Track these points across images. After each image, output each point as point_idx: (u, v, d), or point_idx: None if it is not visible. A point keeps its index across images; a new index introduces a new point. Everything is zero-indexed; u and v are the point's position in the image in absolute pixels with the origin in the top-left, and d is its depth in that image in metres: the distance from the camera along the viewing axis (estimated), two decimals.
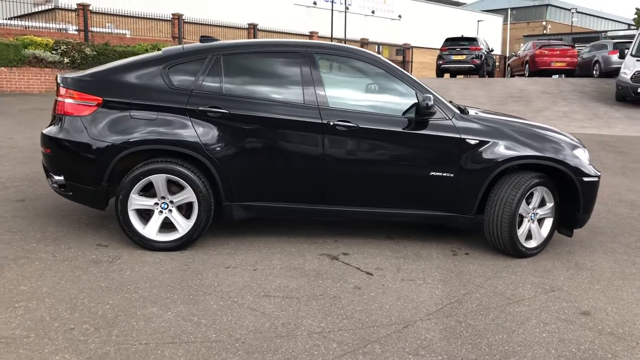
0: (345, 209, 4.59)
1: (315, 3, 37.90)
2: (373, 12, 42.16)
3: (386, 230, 5.18)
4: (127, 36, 21.56)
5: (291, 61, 4.53)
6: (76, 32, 20.31)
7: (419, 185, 4.55)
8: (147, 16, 22.35)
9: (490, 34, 52.13)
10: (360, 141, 4.44)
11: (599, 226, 5.75)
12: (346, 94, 4.67)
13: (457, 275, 4.23)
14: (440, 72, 23.65)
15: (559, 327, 3.46)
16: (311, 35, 28.18)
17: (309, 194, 4.51)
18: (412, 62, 32.40)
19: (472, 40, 23.24)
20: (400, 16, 44.09)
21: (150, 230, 4.34)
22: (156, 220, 4.36)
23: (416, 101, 4.50)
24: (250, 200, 4.44)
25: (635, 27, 52.99)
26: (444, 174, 4.51)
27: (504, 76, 33.51)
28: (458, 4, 60.98)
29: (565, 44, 24.48)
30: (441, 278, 4.16)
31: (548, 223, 4.79)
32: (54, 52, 17.09)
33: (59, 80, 4.48)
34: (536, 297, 3.91)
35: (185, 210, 4.41)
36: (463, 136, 4.50)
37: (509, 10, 65.26)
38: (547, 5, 72.50)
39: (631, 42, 23.48)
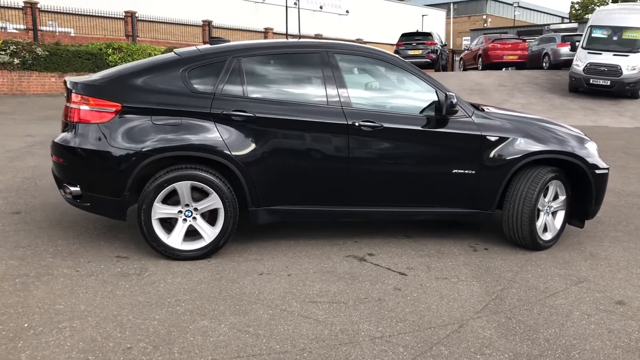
0: (370, 209, 4.58)
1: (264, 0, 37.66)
2: (321, 7, 42.24)
3: (402, 229, 5.20)
4: (72, 34, 20.75)
5: (312, 62, 4.47)
6: (17, 31, 19.35)
7: (441, 183, 4.58)
8: (98, 14, 21.59)
9: (435, 28, 53.06)
10: (384, 141, 4.42)
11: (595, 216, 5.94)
12: (367, 94, 4.65)
13: (486, 271, 4.29)
14: None
15: (603, 318, 3.55)
16: (266, 31, 27.96)
17: (334, 196, 4.47)
18: None
19: (427, 35, 23.62)
20: (347, 11, 44.35)
21: (175, 240, 4.20)
22: (180, 228, 4.22)
23: (435, 99, 4.53)
24: (276, 204, 4.36)
25: (574, 20, 55.14)
26: (466, 171, 4.56)
27: (452, 70, 34.23)
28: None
29: (516, 37, 25.24)
30: (473, 275, 4.21)
31: (561, 215, 4.91)
32: (2, 52, 16.29)
33: (69, 86, 4.26)
34: (568, 290, 4.00)
35: (208, 217, 4.28)
36: (483, 133, 4.55)
37: (451, 4, 66.72)
38: None
39: (574, 34, 24.47)
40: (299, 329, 3.26)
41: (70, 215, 5.23)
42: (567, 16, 65.99)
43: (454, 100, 4.38)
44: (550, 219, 4.82)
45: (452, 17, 63.83)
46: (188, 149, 4.10)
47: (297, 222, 5.11)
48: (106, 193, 4.12)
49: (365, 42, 33.19)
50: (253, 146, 4.20)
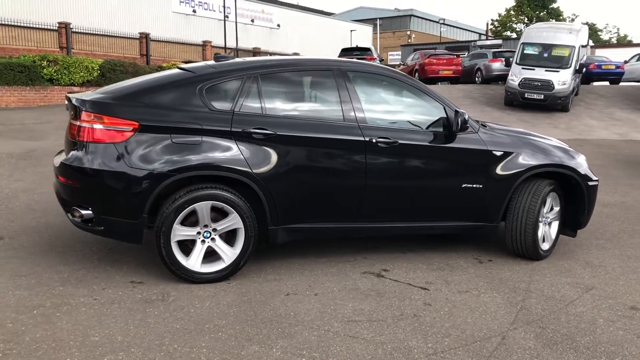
0: (385, 225, 4.61)
1: (194, 11, 37.20)
2: (252, 20, 42.20)
3: (404, 244, 5.23)
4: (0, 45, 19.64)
5: (326, 79, 4.47)
6: None
7: (452, 197, 4.68)
8: (29, 25, 20.56)
9: (362, 43, 54.34)
10: (399, 157, 4.48)
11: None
12: (380, 110, 4.68)
13: (500, 283, 4.41)
14: None
15: (626, 324, 3.74)
16: (204, 44, 27.56)
17: (350, 212, 4.47)
18: None
19: (366, 50, 24.11)
20: (278, 25, 44.56)
21: (194, 262, 4.06)
22: (199, 250, 4.08)
23: (442, 115, 4.64)
24: (295, 222, 4.30)
25: (491, 36, 57.89)
26: (474, 185, 4.68)
27: None
28: (329, 14, 62.74)
29: (450, 53, 26.20)
30: (490, 287, 4.32)
31: (555, 226, 5.14)
32: None
33: (76, 103, 4.05)
34: (582, 298, 4.18)
35: (224, 237, 4.17)
36: (490, 148, 4.71)
37: (378, 20, 68.49)
38: (411, 15, 76.84)
39: (504, 50, 25.76)
40: (352, 349, 3.23)
41: (59, 239, 4.95)
42: (484, 32, 69.28)
43: (467, 117, 4.51)
44: (547, 229, 5.03)
45: (378, 32, 65.52)
46: (211, 168, 3.98)
47: (301, 240, 5.05)
48: (123, 216, 3.93)
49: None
50: (274, 164, 4.14)
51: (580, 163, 5.07)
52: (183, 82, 4.16)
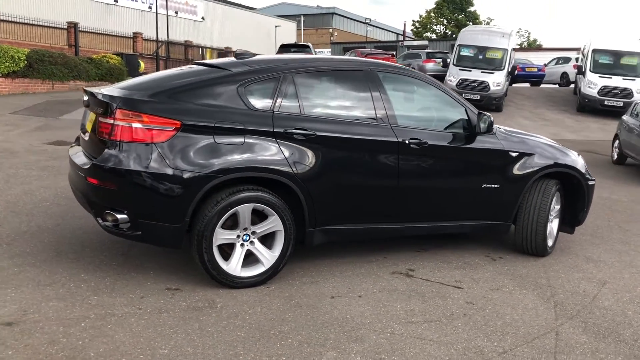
0: (413, 225, 4.65)
1: (116, 1, 35.70)
2: (176, 12, 41.05)
3: (415, 243, 5.27)
4: None
5: (358, 79, 4.45)
6: None
7: (474, 197, 4.80)
8: None
9: (286, 39, 54.32)
10: (428, 158, 4.53)
11: None
12: (408, 111, 4.70)
13: (523, 280, 4.57)
14: None
15: None
16: (135, 36, 26.50)
17: (383, 213, 4.48)
18: None
19: (305, 47, 24.12)
20: (203, 18, 43.61)
21: (235, 266, 3.93)
22: (239, 254, 3.95)
23: (464, 117, 4.75)
24: (331, 224, 4.26)
25: (409, 38, 59.60)
26: (493, 185, 4.82)
27: None
28: (251, 9, 62.20)
29: (386, 52, 26.72)
30: (516, 284, 4.46)
31: (556, 223, 5.38)
32: None
33: (107, 100, 3.79)
34: (602, 292, 4.42)
35: (262, 240, 4.06)
36: (507, 149, 4.86)
37: (302, 16, 68.60)
38: (333, 13, 77.49)
39: (432, 51, 26.62)
40: (426, 351, 3.24)
41: (63, 244, 4.63)
42: (401, 33, 71.13)
43: (492, 119, 4.63)
44: (551, 226, 5.26)
45: (302, 29, 65.66)
46: (256, 170, 3.86)
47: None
48: (163, 219, 3.72)
49: (233, 51, 32.97)
50: (313, 165, 4.07)
51: (581, 163, 5.34)
52: (222, 81, 4.00)
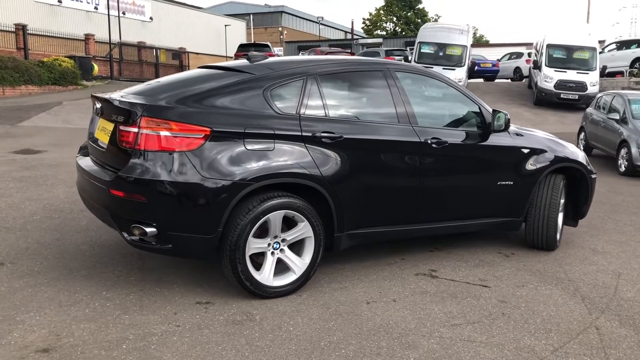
0: (434, 225, 4.63)
1: (60, 1, 34.46)
2: (124, 13, 39.98)
3: (426, 243, 5.24)
4: None
5: (378, 80, 4.38)
6: None
7: (490, 194, 4.82)
8: None
9: (236, 38, 53.81)
10: (448, 157, 4.52)
11: None
12: (425, 111, 4.66)
13: (542, 275, 4.61)
14: None
15: None
16: (87, 38, 25.61)
17: (407, 215, 4.44)
18: (189, 65, 31.75)
19: (265, 46, 23.95)
20: (151, 18, 42.65)
21: (267, 276, 3.80)
22: (271, 263, 3.83)
23: (479, 115, 4.76)
24: (357, 227, 4.18)
25: (357, 36, 60.00)
26: (507, 182, 4.86)
27: None
28: (198, 8, 61.30)
29: (345, 51, 26.76)
30: (538, 280, 4.50)
31: (561, 217, 5.46)
32: None
33: (128, 107, 3.60)
34: (621, 283, 4.50)
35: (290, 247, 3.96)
36: (519, 145, 4.90)
37: (251, 15, 68.06)
38: (282, 12, 77.17)
39: (391, 49, 26.86)
40: (481, 354, 3.21)
41: (71, 261, 4.40)
42: (350, 31, 71.61)
43: (509, 117, 4.65)
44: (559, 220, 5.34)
45: (252, 28, 65.15)
46: (288, 175, 3.74)
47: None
48: (196, 231, 3.56)
49: (188, 52, 32.37)
50: (340, 168, 3.98)
51: (584, 157, 5.44)
52: (247, 84, 3.86)
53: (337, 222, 4.02)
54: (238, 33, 55.82)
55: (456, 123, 4.79)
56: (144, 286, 3.96)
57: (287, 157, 3.76)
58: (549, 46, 20.50)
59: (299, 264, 3.91)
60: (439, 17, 60.07)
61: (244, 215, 3.62)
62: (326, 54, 23.97)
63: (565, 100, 19.50)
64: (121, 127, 3.62)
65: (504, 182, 4.84)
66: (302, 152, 3.81)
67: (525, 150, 4.93)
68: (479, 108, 4.77)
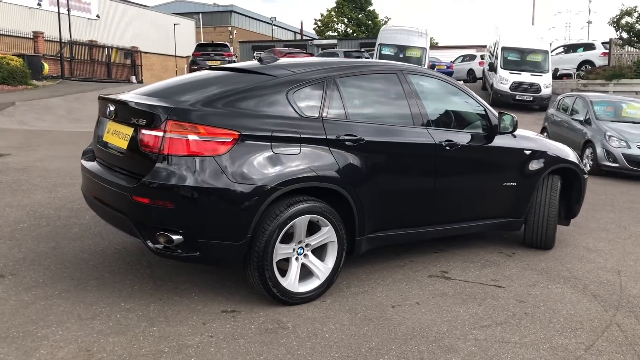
0: (445, 227, 4.66)
1: None
2: (69, 10, 38.69)
3: (428, 244, 5.25)
4: None
5: (393, 82, 4.38)
6: None
7: (496, 195, 4.89)
8: None
9: (185, 37, 52.92)
10: (459, 159, 4.55)
11: None
12: (436, 113, 4.67)
13: (549, 274, 4.72)
14: None
15: None
16: (36, 36, 24.57)
17: (422, 217, 4.46)
18: (141, 65, 30.98)
19: (224, 46, 23.62)
20: (98, 16, 41.42)
21: (292, 282, 3.73)
22: (296, 269, 3.76)
23: (484, 117, 4.83)
24: (376, 231, 4.16)
25: (306, 36, 60.07)
26: (511, 183, 4.95)
27: None
28: (145, 7, 59.97)
29: (304, 52, 26.73)
30: (547, 279, 4.59)
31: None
32: None
33: (151, 110, 3.46)
34: (623, 280, 4.66)
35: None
36: (522, 147, 5.00)
37: (200, 14, 67.08)
38: (231, 11, 76.37)
39: (350, 50, 27.02)
40: (520, 355, 3.25)
41: (75, 271, 4.19)
42: (299, 31, 71.51)
43: (516, 119, 4.73)
44: None
45: (201, 27, 64.23)
46: (314, 179, 3.67)
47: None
48: (225, 238, 3.45)
49: (140, 52, 31.58)
50: (362, 172, 3.95)
51: (577, 157, 5.60)
52: (270, 87, 3.78)
53: (358, 225, 3.98)
54: (187, 32, 54.96)
55: (464, 125, 4.84)
56: (161, 295, 3.82)
57: (313, 160, 3.70)
58: (503, 49, 21.09)
59: (322, 269, 3.85)
60: (388, 19, 60.75)
61: (271, 221, 3.53)
62: (285, 54, 23.85)
63: (520, 102, 20.10)
64: (143, 131, 3.47)
65: (508, 183, 4.92)
66: (327, 156, 3.76)
67: (528, 152, 5.03)
68: (485, 110, 4.83)
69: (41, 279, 4.00)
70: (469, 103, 4.86)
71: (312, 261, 3.83)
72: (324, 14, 60.99)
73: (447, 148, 4.41)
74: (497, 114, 4.87)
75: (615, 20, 22.24)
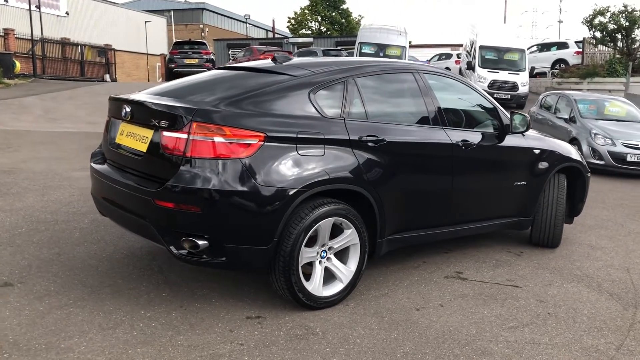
0: (461, 227, 4.64)
1: None
2: (37, 6, 37.78)
3: (436, 244, 5.22)
4: None
5: (409, 82, 4.33)
6: None
7: (508, 195, 4.89)
8: None
9: (157, 35, 52.17)
10: (474, 159, 4.53)
11: None
12: (450, 112, 4.64)
13: (561, 273, 4.74)
14: (172, 76, 23.00)
15: None
16: (6, 33, 23.88)
17: (440, 218, 4.43)
18: (115, 63, 30.41)
19: (201, 44, 23.33)
20: (67, 13, 40.50)
21: (317, 286, 3.66)
22: (320, 272, 3.69)
23: (496, 117, 4.83)
24: (395, 232, 4.11)
25: (279, 35, 59.83)
26: (521, 183, 4.95)
27: None
28: (114, 3, 58.90)
29: (283, 50, 26.56)
30: (561, 277, 4.61)
31: None
32: None
33: (170, 111, 3.35)
34: (633, 277, 4.70)
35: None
36: (531, 146, 5.01)
37: (172, 12, 66.23)
38: (203, 9, 75.51)
39: (328, 49, 26.98)
40: (554, 356, 3.24)
41: (84, 277, 4.04)
42: (270, 29, 71.05)
43: (529, 119, 4.74)
44: None
45: (173, 24, 63.46)
46: (339, 181, 3.61)
47: None
48: (251, 242, 3.36)
49: (115, 50, 31.03)
50: (383, 173, 3.89)
51: (580, 156, 5.64)
52: (291, 87, 3.69)
53: (379, 227, 3.93)
54: (159, 30, 54.21)
55: (475, 124, 4.82)
56: (181, 302, 3.70)
57: (338, 162, 3.63)
58: (481, 47, 21.27)
59: (345, 273, 3.79)
60: (362, 18, 60.86)
61: (297, 224, 3.45)
62: (264, 53, 23.69)
63: (498, 100, 20.08)
64: (165, 133, 3.35)
65: (519, 183, 4.93)
66: (350, 157, 3.69)
67: (537, 151, 5.04)
68: (496, 109, 4.83)
69: (52, 287, 3.85)
70: (480, 102, 4.85)
71: (335, 264, 3.76)
72: (298, 12, 60.79)
73: (463, 148, 4.39)
74: (508, 114, 4.87)
75: (588, 19, 22.64)
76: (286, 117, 3.54)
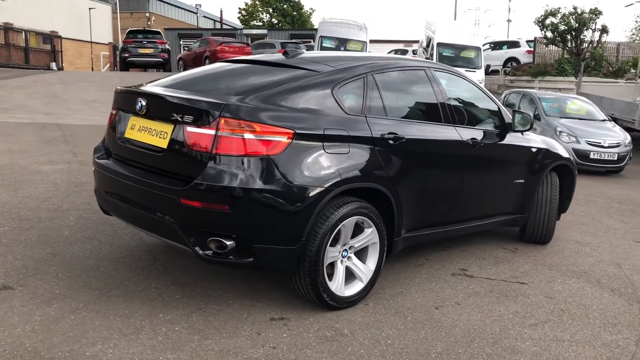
0: (467, 225, 4.66)
1: None
2: None
3: (437, 242, 5.26)
4: None
5: (421, 79, 4.31)
6: None
7: (509, 192, 4.96)
8: None
9: (102, 23, 50.48)
10: (481, 157, 4.57)
11: None
12: (458, 110, 4.64)
13: (559, 269, 4.84)
14: (125, 66, 22.28)
15: None
16: None
17: (448, 215, 4.43)
18: (62, 51, 29.20)
19: (157, 33, 22.65)
20: None
21: (339, 286, 3.60)
22: (342, 272, 3.63)
23: (497, 115, 4.88)
24: (410, 230, 4.09)
25: (230, 26, 59.07)
26: (520, 180, 5.03)
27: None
28: None
29: (240, 42, 26.18)
30: (561, 274, 4.71)
31: None
32: None
33: (196, 105, 3.21)
34: (627, 272, 4.86)
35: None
36: (529, 145, 5.10)
37: None
38: None
39: (286, 41, 26.76)
40: (580, 354, 3.30)
41: (88, 278, 3.84)
42: (219, 20, 69.97)
43: (531, 117, 4.80)
44: None
45: (118, 12, 61.50)
46: (364, 179, 3.56)
47: None
48: (280, 242, 3.26)
49: (61, 37, 29.81)
50: (402, 171, 3.86)
51: (570, 154, 5.79)
52: (315, 83, 3.59)
53: (397, 225, 3.90)
54: (104, 17, 52.42)
55: (478, 122, 4.85)
56: (198, 304, 3.56)
57: (362, 160, 3.57)
58: (439, 45, 21.56)
59: (365, 272, 3.74)
60: (313, 11, 60.85)
61: (323, 223, 3.38)
62: (220, 44, 23.28)
63: None
64: (190, 129, 3.20)
65: (518, 180, 5.00)
66: (372, 155, 3.64)
67: (534, 149, 5.13)
68: (498, 107, 4.87)
69: (57, 290, 3.63)
70: (484, 100, 4.89)
71: (356, 263, 3.71)
72: (249, 3, 60.09)
73: (472, 145, 4.41)
74: (509, 112, 4.93)
75: (540, 20, 23.32)
76: (313, 113, 3.45)
